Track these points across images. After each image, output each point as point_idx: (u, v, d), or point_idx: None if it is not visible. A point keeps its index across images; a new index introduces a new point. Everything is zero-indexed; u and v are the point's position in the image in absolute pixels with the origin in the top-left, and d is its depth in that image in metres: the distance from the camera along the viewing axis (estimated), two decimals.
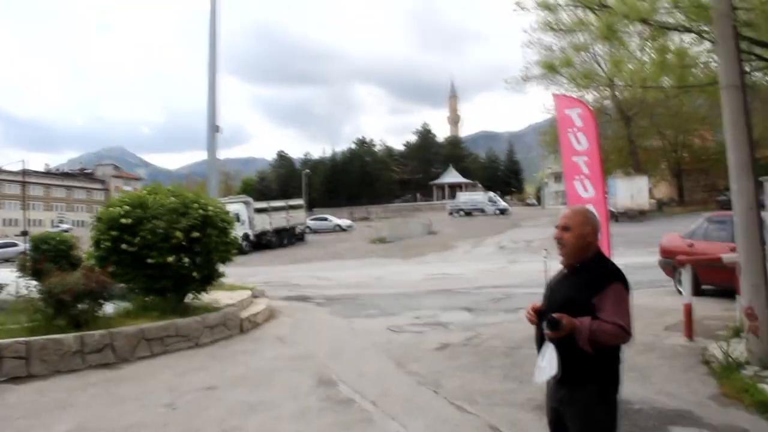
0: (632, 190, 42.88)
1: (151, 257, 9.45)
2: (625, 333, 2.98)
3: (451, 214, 65.45)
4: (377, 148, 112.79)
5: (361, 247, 40.66)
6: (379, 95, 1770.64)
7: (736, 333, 7.89)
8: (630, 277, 3.12)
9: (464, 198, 69.37)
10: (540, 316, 3.19)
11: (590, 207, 11.80)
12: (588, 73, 10.99)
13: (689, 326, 8.43)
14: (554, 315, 2.94)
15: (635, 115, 50.08)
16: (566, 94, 13.05)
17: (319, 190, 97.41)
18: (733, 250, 10.84)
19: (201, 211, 10.04)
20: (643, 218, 42.34)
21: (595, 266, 3.19)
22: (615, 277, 3.11)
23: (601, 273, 3.14)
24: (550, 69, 10.37)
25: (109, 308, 9.32)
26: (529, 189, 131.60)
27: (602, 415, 3.12)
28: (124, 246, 9.43)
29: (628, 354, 7.58)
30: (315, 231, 55.20)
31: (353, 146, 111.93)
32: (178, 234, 9.56)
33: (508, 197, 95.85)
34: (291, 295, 15.97)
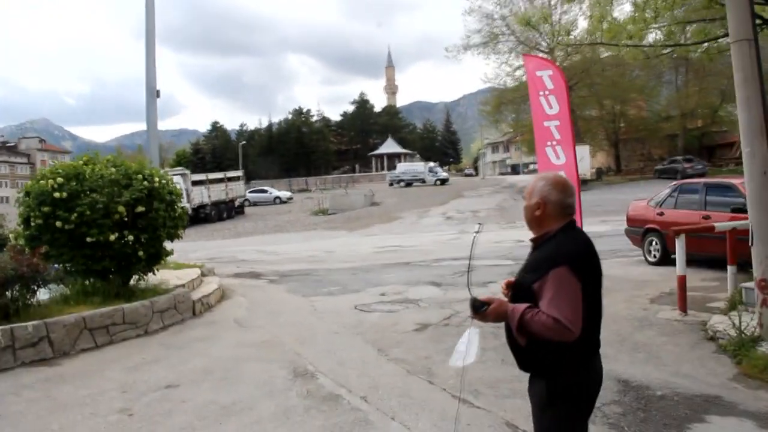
0: None
1: (90, 235, 8.32)
2: (562, 328, 2.34)
3: (391, 184, 64.91)
4: (314, 118, 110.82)
5: (303, 219, 39.65)
6: (313, 65, 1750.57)
7: (732, 306, 7.46)
8: None
9: (404, 168, 68.67)
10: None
11: (561, 173, 11.32)
12: (567, 29, 10.38)
13: (683, 299, 7.96)
14: (480, 298, 2.57)
15: (575, 85, 50.25)
16: (537, 55, 12.43)
17: (256, 162, 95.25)
18: (705, 218, 10.52)
19: (146, 183, 8.95)
20: (585, 187, 42.75)
21: (546, 246, 2.59)
22: (560, 261, 2.45)
23: (548, 254, 2.53)
24: (527, 24, 9.71)
25: (43, 295, 8.20)
26: (466, 159, 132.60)
27: (548, 422, 2.57)
28: (58, 223, 8.24)
29: (626, 331, 7.14)
30: (254, 203, 53.89)
31: (289, 116, 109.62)
32: (121, 209, 8.48)
33: (446, 167, 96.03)
34: (240, 271, 14.98)
